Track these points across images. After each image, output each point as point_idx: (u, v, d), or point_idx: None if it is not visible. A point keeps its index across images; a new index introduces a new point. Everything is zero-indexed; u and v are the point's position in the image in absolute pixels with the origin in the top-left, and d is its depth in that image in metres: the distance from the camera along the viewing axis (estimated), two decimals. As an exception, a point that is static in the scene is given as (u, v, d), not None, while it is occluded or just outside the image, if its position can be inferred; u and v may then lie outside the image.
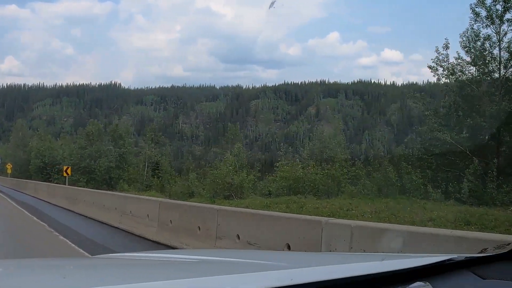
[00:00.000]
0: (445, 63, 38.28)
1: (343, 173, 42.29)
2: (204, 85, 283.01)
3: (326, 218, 8.83)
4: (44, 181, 63.34)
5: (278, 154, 60.51)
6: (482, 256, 2.81)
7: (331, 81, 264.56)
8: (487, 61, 37.12)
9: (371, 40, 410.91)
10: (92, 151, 74.78)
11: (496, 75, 37.51)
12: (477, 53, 37.29)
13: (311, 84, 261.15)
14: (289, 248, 8.91)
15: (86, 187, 49.67)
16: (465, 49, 37.75)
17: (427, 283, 2.36)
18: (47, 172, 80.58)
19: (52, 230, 17.12)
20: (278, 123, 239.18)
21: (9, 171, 76.56)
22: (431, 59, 38.64)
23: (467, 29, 37.75)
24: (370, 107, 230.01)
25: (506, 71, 36.99)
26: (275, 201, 33.90)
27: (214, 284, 2.22)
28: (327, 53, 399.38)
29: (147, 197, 20.00)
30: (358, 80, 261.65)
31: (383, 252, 6.46)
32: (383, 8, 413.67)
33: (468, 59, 38.03)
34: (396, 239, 6.81)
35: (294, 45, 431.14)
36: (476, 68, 38.23)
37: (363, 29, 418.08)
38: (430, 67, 38.95)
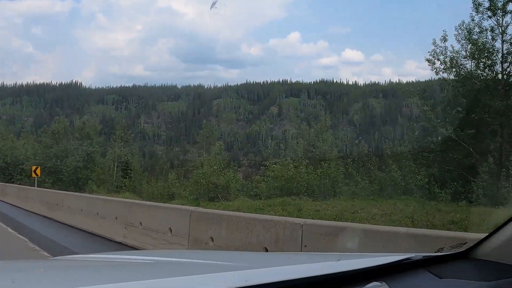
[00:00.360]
0: (443, 56, 36.22)
1: (339, 173, 39.09)
2: (165, 85, 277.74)
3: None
4: (7, 182, 58.77)
5: (241, 153, 57.60)
6: (439, 255, 2.87)
7: (293, 80, 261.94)
8: (487, 54, 34.58)
9: (332, 41, 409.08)
10: (59, 150, 70.91)
11: (498, 68, 35.31)
12: (479, 45, 34.73)
13: (273, 84, 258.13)
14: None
15: (52, 189, 45.94)
16: (464, 41, 35.90)
17: (383, 283, 2.33)
18: (9, 172, 75.63)
19: (38, 248, 13.17)
20: (240, 123, 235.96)
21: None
22: (428, 52, 36.37)
23: (462, 22, 35.76)
24: (332, 106, 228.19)
25: (509, 65, 34.73)
26: (268, 203, 31.14)
27: (167, 286, 2.20)
28: (288, 53, 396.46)
29: (168, 205, 15.33)
30: (320, 79, 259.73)
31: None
32: (344, 9, 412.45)
33: (464, 52, 36.12)
34: None
35: (255, 45, 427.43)
36: (474, 62, 36.07)
37: (324, 29, 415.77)
38: (428, 60, 36.47)
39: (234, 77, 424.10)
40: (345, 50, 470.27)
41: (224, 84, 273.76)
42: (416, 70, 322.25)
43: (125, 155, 72.90)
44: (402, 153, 39.52)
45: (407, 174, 35.20)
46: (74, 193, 29.50)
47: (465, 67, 36.19)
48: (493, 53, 34.92)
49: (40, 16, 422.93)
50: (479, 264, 2.73)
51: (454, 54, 36.02)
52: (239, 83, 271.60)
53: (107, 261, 3.79)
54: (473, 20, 34.97)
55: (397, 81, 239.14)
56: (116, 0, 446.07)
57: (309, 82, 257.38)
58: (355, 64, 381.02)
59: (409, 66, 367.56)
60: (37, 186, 37.72)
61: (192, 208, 11.69)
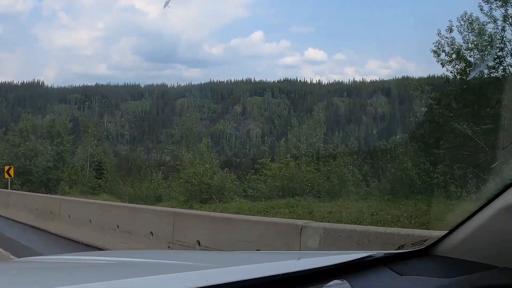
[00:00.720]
0: (449, 48, 34.03)
1: (346, 171, 36.06)
2: (128, 84, 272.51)
3: None
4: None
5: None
6: (400, 252, 2.85)
7: (257, 79, 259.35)
8: (498, 45, 32.60)
9: (295, 40, 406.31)
10: (27, 149, 65.98)
11: (509, 60, 32.96)
12: (488, 36, 33.06)
13: (237, 83, 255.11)
14: None
15: (21, 190, 41.92)
16: (467, 33, 33.76)
17: (344, 281, 2.32)
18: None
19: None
20: (204, 122, 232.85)
21: None
22: (433, 43, 34.09)
23: (465, 13, 33.65)
24: (296, 105, 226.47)
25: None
26: (270, 204, 28.33)
27: (124, 287, 2.18)
28: (251, 53, 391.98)
29: (254, 218, 10.37)
30: (284, 78, 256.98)
31: None
32: (306, 8, 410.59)
33: (466, 45, 34.06)
34: None
35: (218, 45, 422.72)
36: (479, 54, 34.15)
37: (287, 29, 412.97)
38: (434, 51, 34.20)
39: (196, 76, 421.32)
40: (308, 49, 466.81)
41: (188, 83, 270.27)
42: (378, 69, 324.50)
43: (98, 154, 68.82)
44: (414, 149, 36.74)
45: (421, 172, 32.29)
46: (78, 198, 24.96)
47: (468, 60, 34.06)
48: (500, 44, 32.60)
49: (1, 15, 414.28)
50: (440, 261, 2.71)
51: (457, 46, 33.96)
52: (202, 82, 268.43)
53: (68, 263, 3.64)
54: (481, 9, 32.39)
55: (361, 80, 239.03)
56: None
57: (273, 81, 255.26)
58: (318, 63, 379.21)
59: (371, 65, 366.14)
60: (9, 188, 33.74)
61: (302, 221, 7.71)
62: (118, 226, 12.35)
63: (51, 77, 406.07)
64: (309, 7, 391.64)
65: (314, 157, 39.53)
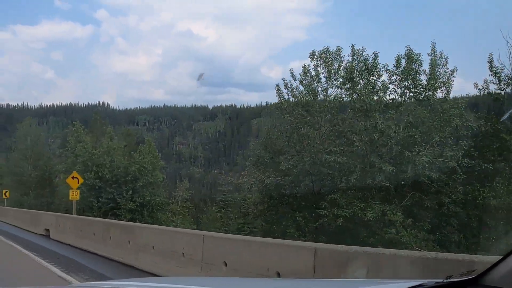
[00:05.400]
0: None
1: None
2: (196, 105, 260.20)
3: None
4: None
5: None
6: (450, 282, 2.68)
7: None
8: None
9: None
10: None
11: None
12: None
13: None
14: None
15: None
16: None
17: None
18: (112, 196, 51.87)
19: None
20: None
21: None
22: None
23: None
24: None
25: None
26: None
27: None
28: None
29: None
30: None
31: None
32: (362, 30, 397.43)
33: None
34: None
35: (275, 68, 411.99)
36: None
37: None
38: None
39: (254, 100, 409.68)
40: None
41: (259, 103, 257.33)
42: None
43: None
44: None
45: None
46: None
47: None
48: None
49: (61, 41, 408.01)
50: None
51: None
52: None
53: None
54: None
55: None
56: (136, 25, 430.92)
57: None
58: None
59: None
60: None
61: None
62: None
63: (111, 101, 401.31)
64: (364, 29, 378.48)
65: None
